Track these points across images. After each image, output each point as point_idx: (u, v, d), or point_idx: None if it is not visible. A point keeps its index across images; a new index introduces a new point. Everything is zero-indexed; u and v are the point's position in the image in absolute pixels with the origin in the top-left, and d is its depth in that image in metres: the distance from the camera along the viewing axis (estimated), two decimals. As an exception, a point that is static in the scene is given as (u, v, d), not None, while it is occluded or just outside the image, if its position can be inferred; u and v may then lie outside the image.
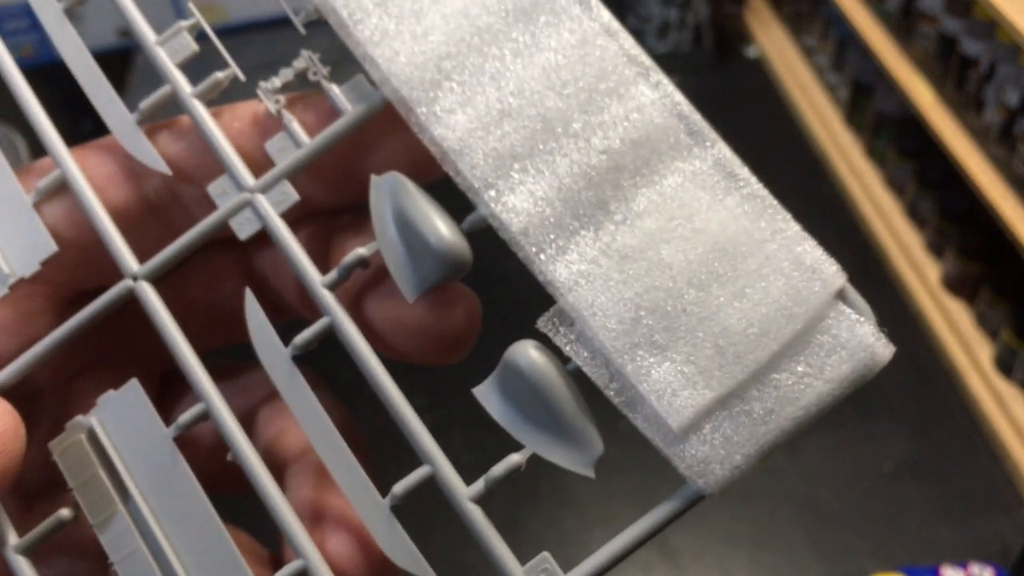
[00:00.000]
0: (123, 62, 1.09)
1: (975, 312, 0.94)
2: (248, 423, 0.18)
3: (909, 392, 0.91)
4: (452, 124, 0.15)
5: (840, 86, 1.22)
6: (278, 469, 0.17)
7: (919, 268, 1.00)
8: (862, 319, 0.14)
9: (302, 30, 0.16)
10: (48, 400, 0.17)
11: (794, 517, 0.81)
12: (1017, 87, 0.84)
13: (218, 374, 0.17)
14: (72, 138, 0.17)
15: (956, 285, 0.96)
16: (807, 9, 1.30)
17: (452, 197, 0.16)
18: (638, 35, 1.33)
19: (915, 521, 0.81)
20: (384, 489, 0.15)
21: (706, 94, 1.31)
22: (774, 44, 1.36)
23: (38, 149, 0.17)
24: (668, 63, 1.33)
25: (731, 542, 0.79)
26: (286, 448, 0.17)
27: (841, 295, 0.14)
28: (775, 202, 0.15)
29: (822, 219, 1.10)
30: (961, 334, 0.93)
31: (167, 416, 0.18)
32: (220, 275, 0.18)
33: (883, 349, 0.14)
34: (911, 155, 1.05)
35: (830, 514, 0.81)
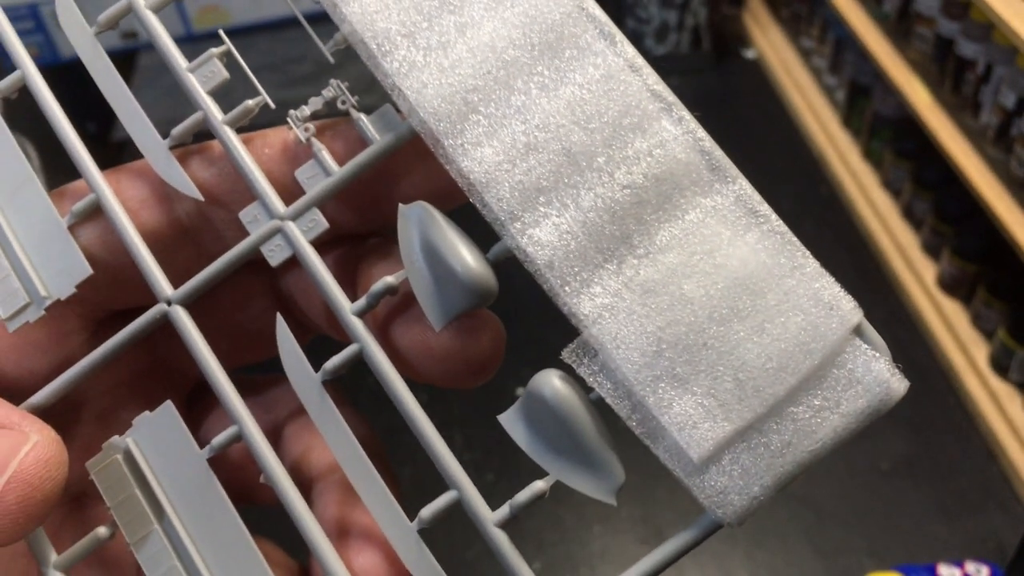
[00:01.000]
0: (127, 64, 1.09)
1: (971, 312, 0.94)
2: (275, 437, 0.19)
3: (906, 391, 0.91)
4: (479, 157, 0.15)
5: (837, 87, 1.23)
6: (305, 485, 0.18)
7: (915, 268, 1.01)
8: (878, 355, 0.15)
9: (331, 59, 0.16)
10: (85, 414, 0.18)
11: (791, 515, 0.82)
12: (1014, 89, 0.85)
13: (246, 389, 0.18)
14: None
15: (952, 285, 0.96)
16: (805, 11, 1.31)
17: (478, 224, 0.16)
18: (637, 37, 1.33)
19: (912, 519, 0.82)
20: (403, 503, 0.15)
21: (705, 95, 1.32)
22: (772, 46, 1.36)
23: (48, 159, 0.17)
24: (667, 65, 1.33)
25: (729, 540, 0.80)
26: (313, 465, 0.18)
27: (858, 331, 0.15)
28: (794, 238, 0.15)
29: (819, 220, 1.11)
30: (957, 334, 0.93)
31: (194, 428, 0.19)
32: (250, 295, 0.19)
33: (898, 384, 0.14)
34: (908, 156, 1.06)
35: (827, 512, 0.82)
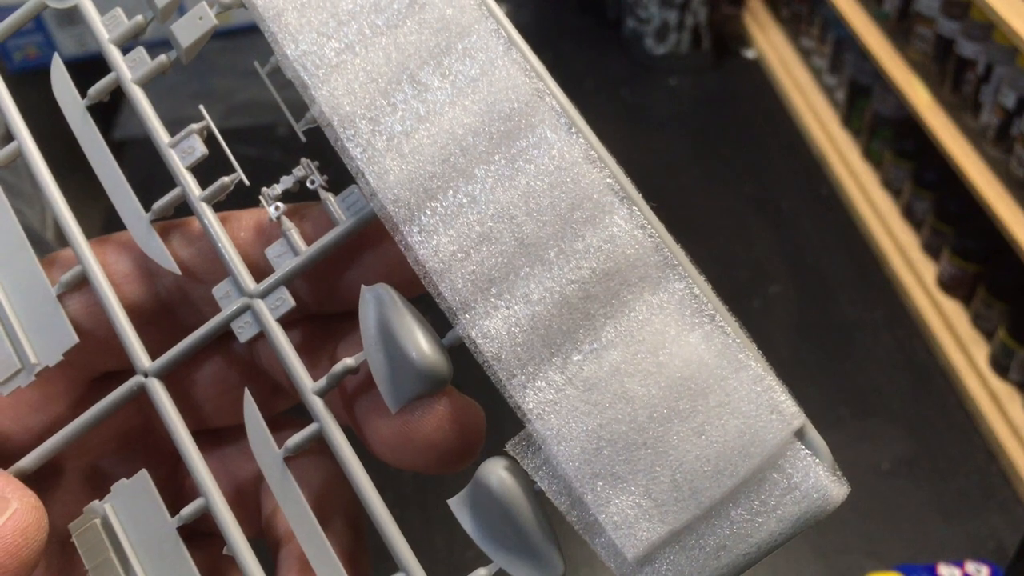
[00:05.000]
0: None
1: (971, 312, 0.94)
2: (259, 486, 0.19)
3: (906, 391, 0.91)
4: (434, 245, 0.15)
5: (837, 87, 1.23)
6: (275, 542, 0.18)
7: (916, 269, 1.01)
8: (818, 460, 0.15)
9: (303, 138, 0.17)
10: (71, 472, 0.19)
11: (791, 516, 0.82)
12: (1014, 88, 0.85)
13: (235, 435, 0.19)
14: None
15: (952, 285, 0.96)
16: (805, 11, 1.31)
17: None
18: (637, 37, 1.33)
19: (912, 519, 0.82)
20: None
21: (705, 95, 1.32)
22: (772, 46, 1.36)
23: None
24: (667, 65, 1.33)
25: (729, 541, 0.80)
26: (280, 527, 0.18)
27: (800, 434, 0.15)
28: (742, 338, 0.15)
29: (820, 220, 1.11)
30: (958, 334, 0.93)
31: (184, 481, 0.20)
32: (235, 361, 0.19)
33: (837, 490, 0.15)
34: (908, 156, 1.06)
35: (827, 513, 0.82)
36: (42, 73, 0.19)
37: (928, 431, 0.88)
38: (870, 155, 1.14)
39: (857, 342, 0.96)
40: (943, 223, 0.99)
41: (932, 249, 1.01)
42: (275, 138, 1.11)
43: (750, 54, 1.38)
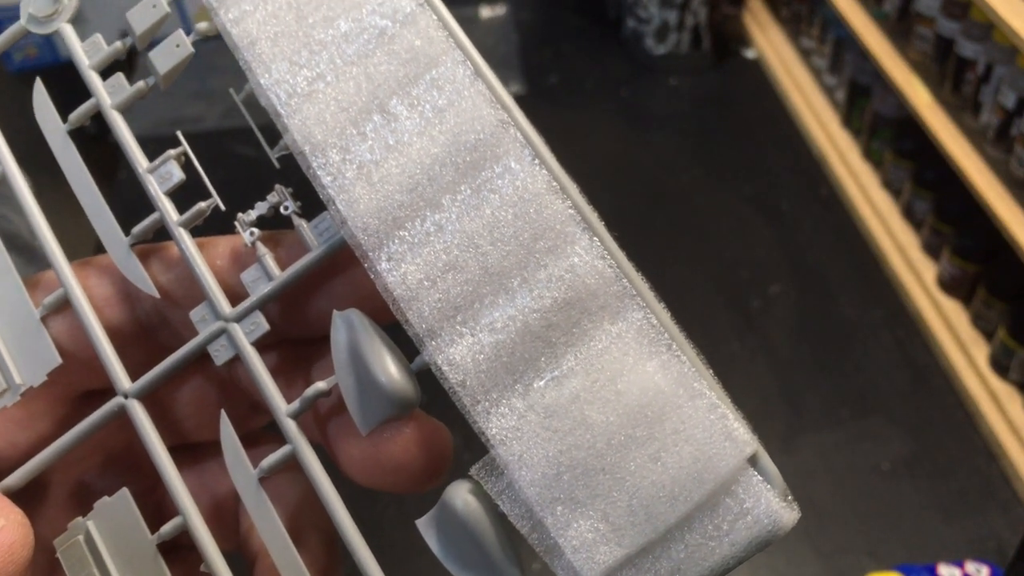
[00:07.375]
0: (128, 63, 1.09)
1: (971, 312, 0.94)
2: (237, 500, 0.20)
3: (906, 391, 0.91)
4: (402, 273, 0.16)
5: (837, 87, 1.23)
6: (252, 558, 0.19)
7: (916, 268, 1.01)
8: (769, 486, 0.15)
9: (276, 164, 0.17)
10: (56, 488, 0.19)
11: (792, 516, 0.82)
12: (1014, 89, 0.85)
13: (214, 450, 0.19)
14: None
15: (952, 285, 0.96)
16: (805, 11, 1.31)
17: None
18: (637, 37, 1.33)
19: (912, 519, 0.82)
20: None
21: (704, 96, 1.32)
22: (772, 46, 1.36)
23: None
24: (667, 65, 1.33)
25: (729, 541, 0.80)
26: (256, 542, 0.19)
27: (753, 460, 0.15)
28: (698, 367, 0.15)
29: (820, 220, 1.11)
30: (957, 334, 0.93)
31: (166, 496, 0.20)
32: (215, 380, 0.20)
33: (787, 516, 0.15)
34: (908, 156, 1.06)
35: (827, 512, 0.82)
36: (43, 72, 0.19)
37: (928, 431, 0.88)
38: (870, 155, 1.14)
39: (857, 342, 0.96)
40: (943, 223, 0.99)
41: (932, 249, 1.01)
42: (275, 138, 1.11)
43: (750, 54, 1.38)
